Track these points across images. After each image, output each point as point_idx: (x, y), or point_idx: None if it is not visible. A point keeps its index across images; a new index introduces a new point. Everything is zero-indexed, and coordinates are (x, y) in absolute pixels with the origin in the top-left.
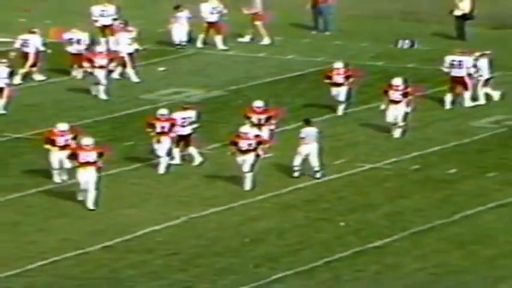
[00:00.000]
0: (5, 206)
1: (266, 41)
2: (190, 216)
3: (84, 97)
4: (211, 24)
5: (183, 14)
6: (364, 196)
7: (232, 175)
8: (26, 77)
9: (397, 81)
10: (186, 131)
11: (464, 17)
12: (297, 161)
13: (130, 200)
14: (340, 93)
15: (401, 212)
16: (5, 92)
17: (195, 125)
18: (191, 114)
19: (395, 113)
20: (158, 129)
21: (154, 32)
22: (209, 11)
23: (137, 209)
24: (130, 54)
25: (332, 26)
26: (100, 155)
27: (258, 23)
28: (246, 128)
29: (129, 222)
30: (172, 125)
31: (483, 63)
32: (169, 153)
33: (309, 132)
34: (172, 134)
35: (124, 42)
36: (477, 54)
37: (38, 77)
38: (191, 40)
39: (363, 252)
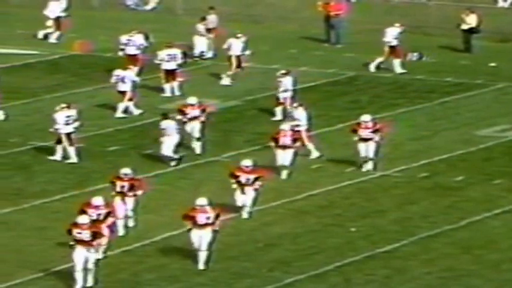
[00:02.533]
0: (32, 212)
1: (210, 54)
2: None
3: (105, 107)
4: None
5: (204, 26)
6: (375, 202)
7: None
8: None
9: (366, 117)
10: (69, 129)
11: (471, 31)
12: (165, 150)
13: (149, 206)
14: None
15: (410, 218)
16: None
17: (77, 124)
18: (73, 112)
19: (365, 148)
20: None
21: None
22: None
23: (155, 214)
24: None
25: (343, 39)
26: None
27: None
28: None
29: (148, 227)
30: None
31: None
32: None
33: (168, 125)
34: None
35: (165, 59)
36: None
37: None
38: (216, 53)
39: (372, 257)
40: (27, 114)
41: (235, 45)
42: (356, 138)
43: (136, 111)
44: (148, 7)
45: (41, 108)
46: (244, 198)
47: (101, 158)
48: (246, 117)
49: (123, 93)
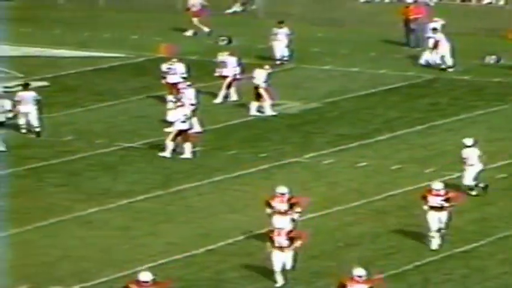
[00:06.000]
0: (117, 212)
1: (206, 30)
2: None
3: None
4: None
5: (283, 31)
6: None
7: (328, 182)
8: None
9: (438, 185)
10: (185, 126)
11: None
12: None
13: (233, 206)
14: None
15: (487, 218)
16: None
17: (10, 114)
18: (187, 111)
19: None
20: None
21: (255, 47)
22: None
23: (239, 214)
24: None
25: (423, 42)
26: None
27: (194, 19)
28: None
29: (231, 227)
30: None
31: None
32: None
33: (26, 96)
34: None
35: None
36: None
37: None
38: (291, 55)
39: (451, 257)
40: (113, 116)
41: (260, 76)
42: (425, 207)
43: (269, 112)
44: (232, 10)
45: (126, 110)
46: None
47: (182, 158)
48: (326, 118)
49: (257, 90)
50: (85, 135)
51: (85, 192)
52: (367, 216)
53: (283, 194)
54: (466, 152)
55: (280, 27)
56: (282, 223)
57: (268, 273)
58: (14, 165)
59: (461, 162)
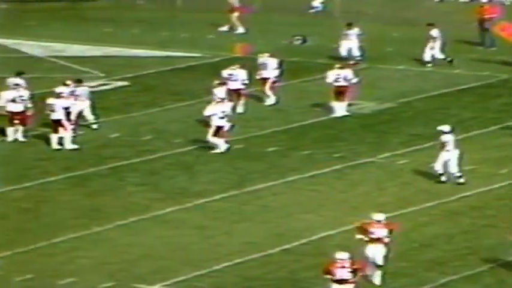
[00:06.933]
0: (193, 211)
1: (241, 30)
2: (363, 221)
3: (264, 109)
4: None
5: (353, 31)
6: None
7: (402, 182)
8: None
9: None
10: (223, 122)
11: None
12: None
13: (307, 206)
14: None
15: None
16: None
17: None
18: (228, 107)
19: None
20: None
21: (329, 47)
22: None
23: (313, 214)
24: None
25: (497, 42)
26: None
27: (234, 15)
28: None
29: (306, 226)
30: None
31: None
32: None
33: (81, 91)
34: None
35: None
36: None
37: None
38: (363, 55)
39: None
40: (190, 115)
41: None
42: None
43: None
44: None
45: (203, 109)
46: None
47: (260, 158)
48: (401, 118)
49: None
50: (163, 135)
51: (163, 192)
52: (441, 217)
53: (379, 221)
54: (444, 139)
55: (350, 29)
56: (376, 250)
57: None
58: (95, 164)
59: (440, 147)
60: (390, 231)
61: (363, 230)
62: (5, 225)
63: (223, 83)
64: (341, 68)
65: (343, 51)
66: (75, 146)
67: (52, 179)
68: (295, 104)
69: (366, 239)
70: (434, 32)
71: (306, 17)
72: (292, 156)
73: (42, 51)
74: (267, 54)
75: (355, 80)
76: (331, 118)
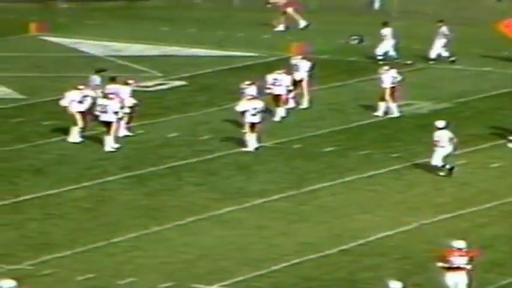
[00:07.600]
0: (251, 211)
1: (302, 23)
2: (421, 222)
3: (321, 109)
4: None
5: (388, 31)
6: None
7: (460, 182)
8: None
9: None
10: (256, 119)
11: None
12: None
13: (365, 206)
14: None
15: None
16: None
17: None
18: (260, 105)
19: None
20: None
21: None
22: None
23: (371, 214)
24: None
25: None
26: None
27: (289, 9)
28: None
29: (363, 227)
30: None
31: None
32: None
33: (114, 88)
34: None
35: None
36: None
37: None
38: (398, 54)
39: None
40: None
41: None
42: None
43: (396, 112)
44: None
45: None
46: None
47: (318, 158)
48: (458, 119)
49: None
50: (221, 135)
51: (221, 191)
52: (500, 218)
53: (460, 249)
54: (437, 135)
55: (386, 27)
56: (458, 279)
57: (401, 273)
58: (154, 164)
59: (433, 144)
60: (471, 259)
61: (443, 258)
62: (65, 224)
63: (253, 83)
64: (388, 69)
65: (379, 51)
66: (117, 146)
67: (111, 178)
68: (352, 103)
69: (446, 266)
70: (445, 29)
71: (363, 17)
72: (350, 156)
73: (102, 51)
74: (300, 56)
75: (399, 79)
76: (387, 118)
